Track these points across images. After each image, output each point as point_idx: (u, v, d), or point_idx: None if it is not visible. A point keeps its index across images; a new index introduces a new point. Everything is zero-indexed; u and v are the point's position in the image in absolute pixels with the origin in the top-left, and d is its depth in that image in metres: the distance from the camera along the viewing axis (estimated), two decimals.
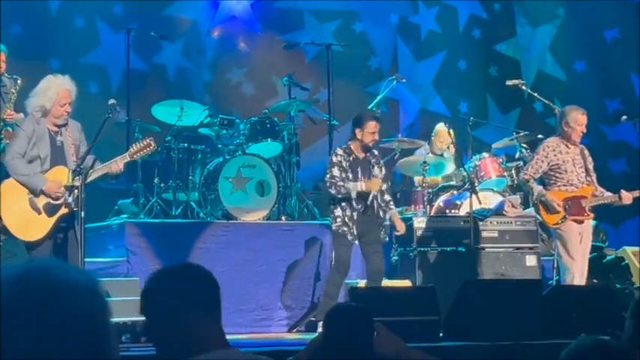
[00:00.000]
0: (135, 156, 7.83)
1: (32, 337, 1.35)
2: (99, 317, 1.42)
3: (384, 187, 9.01)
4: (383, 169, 9.08)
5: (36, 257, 7.23)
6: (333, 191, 8.67)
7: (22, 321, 1.35)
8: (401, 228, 8.93)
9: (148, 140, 7.85)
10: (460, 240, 9.71)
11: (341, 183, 8.66)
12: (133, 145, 7.92)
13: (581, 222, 9.07)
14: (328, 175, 8.75)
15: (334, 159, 8.77)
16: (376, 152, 9.11)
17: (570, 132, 9.13)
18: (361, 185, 8.69)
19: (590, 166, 9.33)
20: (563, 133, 9.19)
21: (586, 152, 9.35)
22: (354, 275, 9.24)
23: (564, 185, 9.14)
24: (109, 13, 12.47)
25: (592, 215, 9.19)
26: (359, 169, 8.76)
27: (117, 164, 7.46)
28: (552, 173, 9.16)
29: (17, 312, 1.36)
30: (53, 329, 1.36)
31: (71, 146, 7.45)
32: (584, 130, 9.22)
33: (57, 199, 7.27)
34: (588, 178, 9.24)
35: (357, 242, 8.73)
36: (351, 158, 8.75)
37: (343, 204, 8.69)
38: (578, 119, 9.16)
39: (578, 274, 8.92)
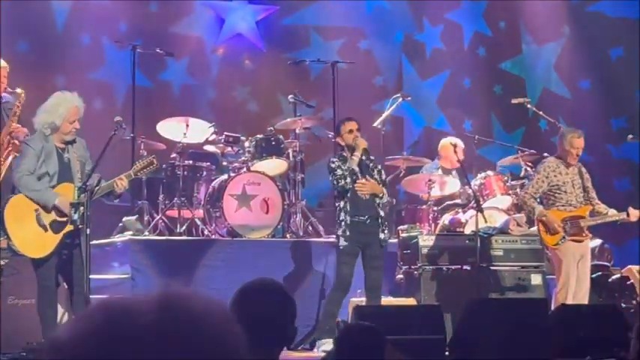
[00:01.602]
0: (138, 174, 7.83)
1: None
2: (235, 346, 1.33)
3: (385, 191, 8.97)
4: (383, 173, 9.07)
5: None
6: (341, 182, 8.65)
7: (164, 349, 1.26)
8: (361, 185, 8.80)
9: (150, 158, 7.86)
10: (465, 258, 9.68)
11: (347, 174, 8.66)
12: (137, 162, 7.92)
13: (580, 242, 9.11)
14: (332, 176, 8.73)
15: (332, 165, 8.77)
16: (373, 157, 9.10)
17: (566, 154, 9.21)
18: (356, 155, 8.67)
19: (589, 183, 9.39)
20: (561, 154, 9.26)
21: (583, 170, 9.42)
22: (360, 293, 9.20)
23: (563, 205, 9.21)
24: (114, 30, 12.50)
25: (590, 235, 9.24)
26: (358, 174, 8.74)
27: (121, 182, 7.46)
28: (551, 194, 9.22)
29: (159, 340, 1.27)
30: (193, 357, 1.28)
31: (77, 163, 7.46)
32: (579, 154, 9.29)
33: (66, 215, 7.27)
34: (586, 197, 9.29)
35: (359, 256, 8.71)
36: (346, 165, 8.74)
37: (347, 218, 8.67)
38: (573, 142, 9.21)
39: (571, 293, 8.95)
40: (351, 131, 8.78)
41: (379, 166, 9.11)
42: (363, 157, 8.83)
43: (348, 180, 8.67)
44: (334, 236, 8.91)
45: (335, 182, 8.74)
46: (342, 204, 8.76)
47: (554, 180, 9.20)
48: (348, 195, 8.74)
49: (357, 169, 8.72)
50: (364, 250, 8.74)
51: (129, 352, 1.24)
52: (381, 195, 8.84)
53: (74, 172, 7.42)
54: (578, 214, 9.19)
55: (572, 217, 9.16)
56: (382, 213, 8.88)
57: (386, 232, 8.90)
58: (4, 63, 9.51)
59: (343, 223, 8.69)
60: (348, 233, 8.66)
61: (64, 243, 7.33)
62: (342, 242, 8.67)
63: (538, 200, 9.27)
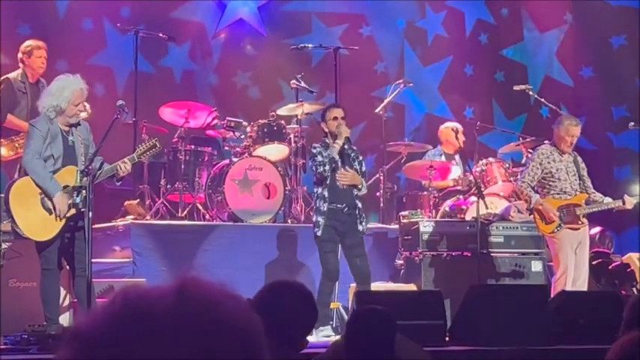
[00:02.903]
0: (141, 157, 7.85)
1: (193, 355, 1.25)
2: (257, 334, 1.32)
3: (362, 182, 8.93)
4: (364, 164, 9.04)
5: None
6: (320, 169, 8.61)
7: (184, 338, 1.26)
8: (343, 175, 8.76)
9: (153, 141, 7.87)
10: (466, 244, 9.70)
11: (326, 161, 8.61)
12: (139, 146, 7.93)
13: (576, 229, 9.13)
14: (311, 162, 8.70)
15: (314, 150, 8.73)
16: (355, 147, 9.07)
17: (560, 141, 9.20)
18: (337, 143, 8.63)
19: (584, 172, 9.38)
20: (555, 141, 9.26)
21: (579, 159, 9.42)
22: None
23: (557, 194, 9.22)
24: (116, 15, 12.48)
25: (586, 222, 9.25)
26: (338, 162, 8.70)
27: (124, 165, 7.47)
28: (545, 181, 9.23)
29: (178, 328, 1.26)
30: (216, 346, 1.27)
31: (81, 146, 7.47)
32: (574, 142, 9.27)
33: (59, 213, 7.28)
34: (582, 186, 9.30)
35: (339, 245, 8.69)
36: (327, 152, 8.71)
37: (325, 205, 8.65)
38: (569, 130, 9.20)
39: (570, 280, 8.97)
40: (335, 118, 8.72)
41: (360, 157, 9.02)
42: (345, 146, 8.79)
43: (327, 167, 8.61)
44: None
45: (314, 168, 8.69)
46: (319, 190, 8.71)
47: (548, 167, 9.19)
48: (327, 182, 8.70)
49: (337, 157, 8.66)
50: (342, 239, 8.69)
51: (148, 339, 1.25)
52: (359, 186, 8.79)
53: (78, 155, 7.44)
54: (574, 202, 9.20)
55: (568, 205, 9.18)
56: (360, 204, 8.80)
57: (364, 223, 8.84)
58: (40, 43, 9.60)
59: (319, 211, 8.65)
60: (325, 221, 8.60)
61: (68, 226, 7.35)
62: (320, 231, 8.60)
63: (534, 189, 9.28)
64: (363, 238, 8.83)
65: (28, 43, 9.72)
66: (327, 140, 8.79)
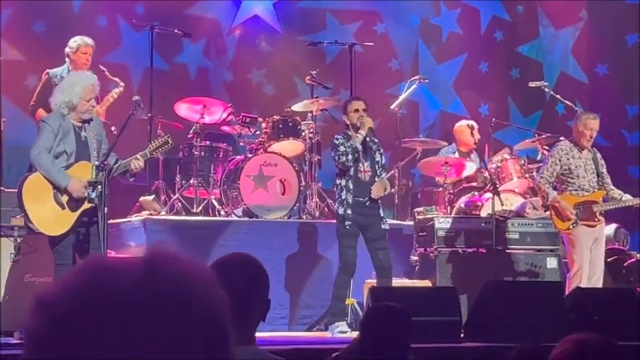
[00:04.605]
0: (154, 153, 7.85)
1: (159, 329, 1.23)
2: (223, 308, 1.31)
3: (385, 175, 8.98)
4: (383, 157, 9.07)
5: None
6: (343, 159, 8.64)
7: (150, 311, 1.24)
8: (375, 191, 8.78)
9: (165, 137, 7.88)
10: (481, 241, 9.70)
11: (349, 150, 8.64)
12: (152, 142, 7.94)
13: (592, 227, 9.11)
14: (334, 152, 8.71)
15: (336, 141, 8.75)
16: (377, 140, 9.09)
17: (579, 136, 9.20)
18: (361, 133, 8.67)
19: (603, 169, 9.38)
20: (575, 137, 9.26)
21: (598, 156, 9.41)
22: (374, 275, 9.22)
23: (575, 190, 9.21)
24: (130, 12, 12.51)
25: (602, 220, 9.23)
26: (359, 154, 8.73)
27: (137, 161, 7.48)
28: (564, 177, 9.23)
29: (144, 301, 1.24)
30: (182, 320, 1.25)
31: (94, 141, 7.48)
32: (593, 135, 9.29)
33: (79, 198, 7.29)
34: (600, 183, 9.28)
35: (360, 236, 8.71)
36: (349, 142, 8.73)
37: (349, 197, 8.66)
38: (588, 124, 9.21)
39: (585, 277, 8.96)
40: (356, 110, 8.75)
41: (381, 149, 9.05)
42: (367, 139, 8.82)
43: (350, 157, 8.63)
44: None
45: (337, 158, 8.70)
46: (343, 182, 8.73)
47: (567, 163, 9.19)
48: (350, 174, 8.73)
49: (359, 147, 8.70)
50: (364, 232, 8.71)
51: (114, 311, 1.23)
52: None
53: (91, 151, 7.45)
54: (591, 199, 9.19)
55: (585, 202, 9.16)
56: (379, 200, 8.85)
57: (386, 222, 8.88)
58: (88, 40, 9.65)
59: (345, 203, 8.67)
60: (350, 213, 8.64)
61: (81, 221, 7.36)
62: (347, 222, 8.64)
63: (553, 185, 9.27)
64: (386, 232, 8.84)
65: (76, 38, 9.70)
66: (348, 132, 8.81)
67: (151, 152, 7.72)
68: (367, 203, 8.70)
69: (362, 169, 8.75)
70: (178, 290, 1.26)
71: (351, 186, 8.68)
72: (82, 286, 1.26)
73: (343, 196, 8.69)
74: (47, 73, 9.63)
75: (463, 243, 9.75)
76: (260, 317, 2.80)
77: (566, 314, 7.87)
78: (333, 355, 4.17)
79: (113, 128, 9.53)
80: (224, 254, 9.43)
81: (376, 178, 8.78)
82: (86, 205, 7.33)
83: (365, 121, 8.70)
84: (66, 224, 7.30)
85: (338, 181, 8.82)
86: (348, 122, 8.81)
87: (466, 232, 9.78)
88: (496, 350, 7.18)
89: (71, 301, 1.25)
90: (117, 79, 9.91)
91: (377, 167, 8.84)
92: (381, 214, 8.84)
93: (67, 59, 9.66)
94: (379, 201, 8.80)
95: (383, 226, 8.75)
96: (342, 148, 8.66)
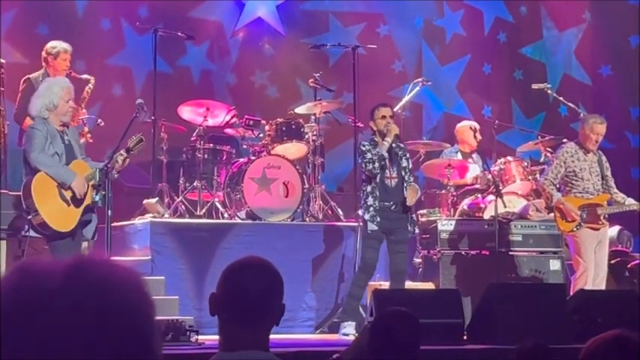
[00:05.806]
0: (132, 150, 7.74)
1: (76, 333, 1.27)
2: (145, 314, 1.34)
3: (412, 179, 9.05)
4: (410, 162, 9.14)
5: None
6: (370, 167, 8.69)
7: (68, 315, 1.28)
8: (409, 198, 8.84)
9: (139, 135, 7.81)
10: (484, 243, 9.71)
11: (375, 158, 8.70)
12: (128, 140, 7.87)
13: (596, 229, 9.11)
14: (361, 159, 8.80)
15: (363, 148, 8.86)
16: (402, 145, 9.14)
17: (585, 139, 9.21)
18: (387, 140, 8.75)
19: (608, 172, 9.38)
20: (580, 139, 9.27)
21: (603, 159, 9.41)
22: (379, 277, 9.24)
23: (580, 193, 9.21)
24: (134, 15, 12.52)
25: (607, 223, 9.24)
26: (386, 161, 8.79)
27: (121, 157, 7.51)
28: (568, 180, 9.24)
29: (63, 306, 1.28)
30: (100, 325, 1.29)
31: (75, 145, 7.55)
32: (599, 140, 9.28)
33: (80, 194, 7.33)
34: (604, 186, 9.28)
35: (384, 240, 8.76)
36: (376, 150, 8.79)
37: (376, 202, 8.71)
38: (594, 128, 9.21)
39: (591, 279, 8.96)
40: (384, 117, 8.85)
41: (407, 154, 9.17)
42: (393, 145, 8.87)
43: (377, 165, 8.71)
44: (353, 220, 8.93)
45: (363, 165, 8.78)
46: (369, 188, 8.80)
47: (572, 165, 9.20)
48: (377, 180, 8.78)
49: (386, 154, 8.76)
50: (388, 235, 8.78)
51: (39, 316, 1.27)
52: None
53: (77, 154, 7.51)
54: (596, 202, 9.19)
55: (590, 204, 9.17)
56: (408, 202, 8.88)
57: (413, 224, 8.97)
58: (66, 46, 9.61)
59: (372, 209, 8.72)
60: (377, 218, 8.69)
61: (84, 222, 7.39)
62: (372, 227, 8.68)
63: (557, 186, 9.28)
64: (409, 237, 8.91)
65: (54, 44, 9.62)
66: (375, 138, 8.89)
67: (127, 151, 7.65)
68: (392, 207, 8.77)
69: (389, 176, 8.84)
70: (97, 296, 1.30)
71: (377, 193, 8.77)
72: (10, 290, 1.31)
73: (369, 202, 8.76)
74: (28, 78, 9.54)
75: (466, 245, 9.76)
76: (274, 322, 2.80)
77: (569, 316, 7.87)
78: (334, 356, 4.17)
79: (99, 120, 9.56)
80: (227, 256, 9.42)
81: (405, 184, 8.84)
82: (87, 201, 7.37)
83: (391, 127, 8.80)
84: (72, 220, 7.37)
85: (364, 187, 8.90)
86: (375, 129, 8.90)
87: (469, 234, 9.79)
88: (499, 352, 7.18)
89: (1, 305, 1.30)
90: (86, 76, 9.79)
91: (404, 173, 8.92)
92: (412, 218, 8.98)
93: (44, 64, 9.59)
94: (404, 206, 8.84)
95: (409, 227, 8.84)
96: (368, 156, 8.74)
